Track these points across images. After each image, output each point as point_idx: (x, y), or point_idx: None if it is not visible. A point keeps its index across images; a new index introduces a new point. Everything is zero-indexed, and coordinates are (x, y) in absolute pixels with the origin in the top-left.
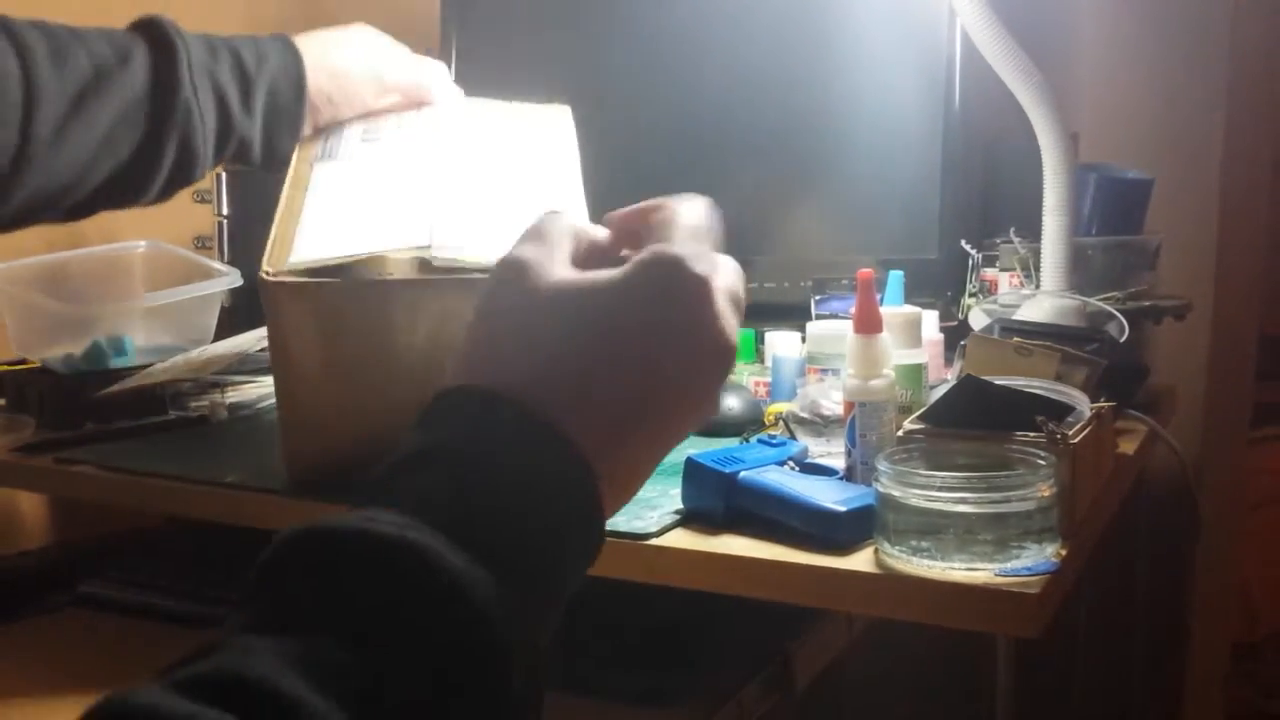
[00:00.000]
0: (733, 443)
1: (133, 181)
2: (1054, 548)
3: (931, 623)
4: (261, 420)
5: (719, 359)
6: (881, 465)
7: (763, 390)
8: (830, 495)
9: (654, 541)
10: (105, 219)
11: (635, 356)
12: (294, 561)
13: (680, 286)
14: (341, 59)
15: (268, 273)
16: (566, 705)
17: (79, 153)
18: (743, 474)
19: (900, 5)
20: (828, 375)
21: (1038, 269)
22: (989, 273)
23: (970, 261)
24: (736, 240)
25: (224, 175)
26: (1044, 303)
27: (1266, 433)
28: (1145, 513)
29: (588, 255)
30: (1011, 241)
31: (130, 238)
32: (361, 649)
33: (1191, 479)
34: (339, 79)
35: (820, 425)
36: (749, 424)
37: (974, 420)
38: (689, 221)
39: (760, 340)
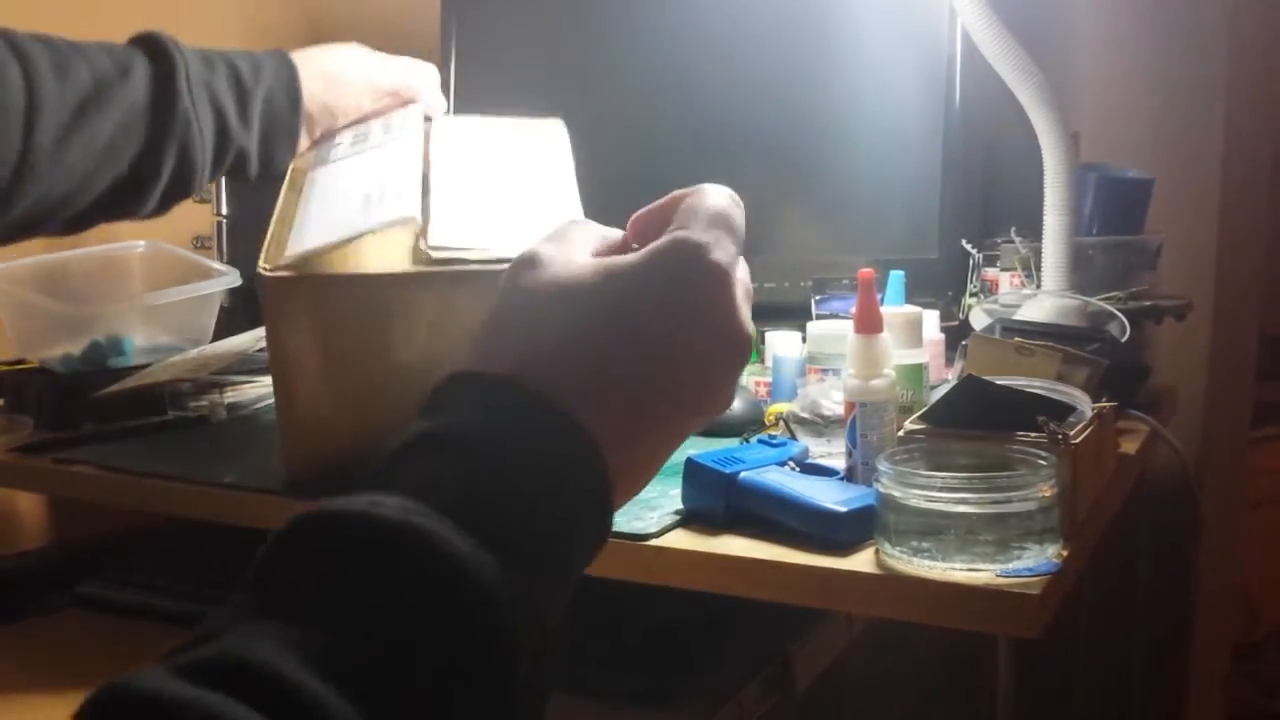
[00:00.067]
0: (733, 443)
1: (132, 193)
2: (1055, 548)
3: (932, 623)
4: (260, 420)
5: (736, 347)
6: (882, 465)
7: (763, 390)
8: (831, 495)
9: (654, 542)
10: None
11: (652, 338)
12: (297, 546)
13: (700, 270)
14: (336, 65)
15: (265, 269)
16: (566, 706)
17: (80, 163)
18: (743, 474)
19: (900, 5)
20: (828, 375)
21: (1039, 269)
22: (990, 272)
23: (971, 261)
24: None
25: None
26: (1045, 302)
27: (1267, 432)
28: (1146, 512)
29: (609, 253)
30: (1012, 241)
31: (129, 238)
32: (365, 634)
33: (1192, 479)
34: (334, 85)
35: (821, 425)
36: (749, 424)
37: (975, 420)
38: (711, 209)
39: (760, 340)
